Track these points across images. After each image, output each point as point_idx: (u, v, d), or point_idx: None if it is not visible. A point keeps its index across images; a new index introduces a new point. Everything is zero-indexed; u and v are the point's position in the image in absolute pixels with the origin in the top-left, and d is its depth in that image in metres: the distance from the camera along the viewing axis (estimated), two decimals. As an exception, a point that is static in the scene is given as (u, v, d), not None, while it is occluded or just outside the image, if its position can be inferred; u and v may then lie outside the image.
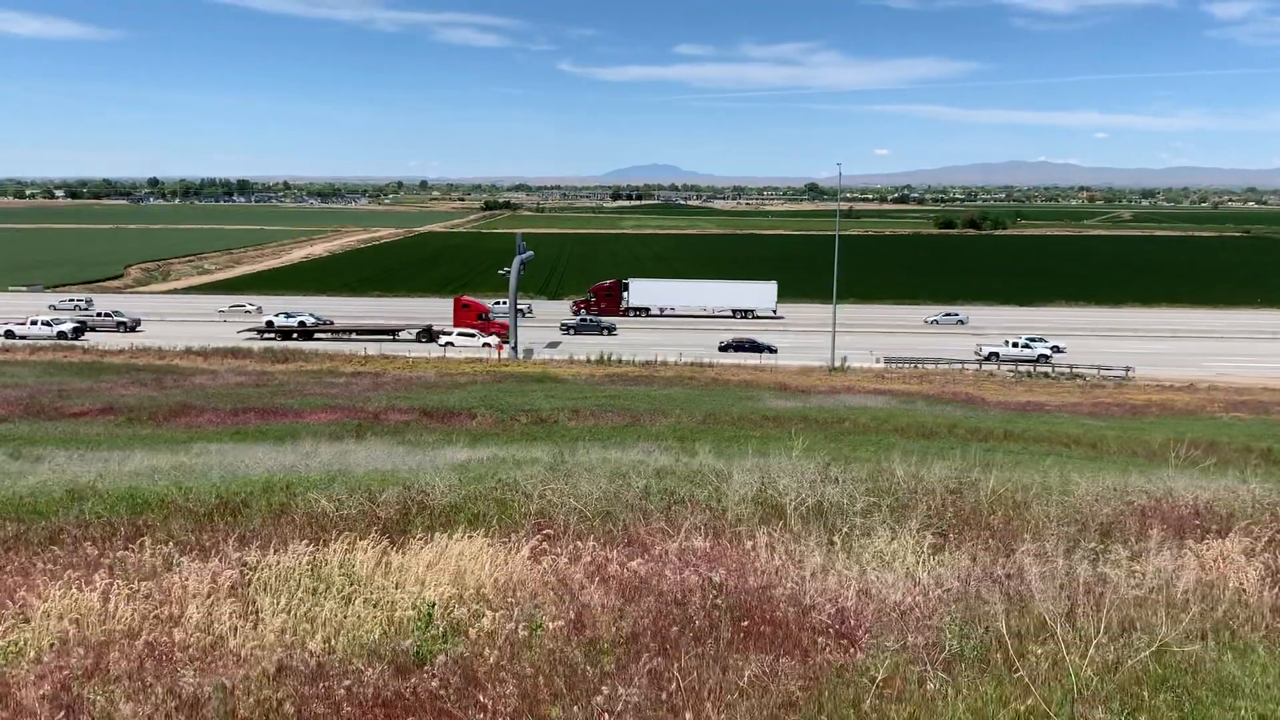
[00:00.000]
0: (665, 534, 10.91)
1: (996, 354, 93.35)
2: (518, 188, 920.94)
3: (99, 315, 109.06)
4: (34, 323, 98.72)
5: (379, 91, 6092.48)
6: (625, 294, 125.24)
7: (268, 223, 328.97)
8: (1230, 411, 69.81)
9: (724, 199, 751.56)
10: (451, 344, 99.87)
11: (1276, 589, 9.08)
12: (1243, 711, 6.62)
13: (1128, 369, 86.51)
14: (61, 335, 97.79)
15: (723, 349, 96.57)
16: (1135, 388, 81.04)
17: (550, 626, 8.12)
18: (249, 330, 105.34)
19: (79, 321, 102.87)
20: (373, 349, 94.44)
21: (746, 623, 8.17)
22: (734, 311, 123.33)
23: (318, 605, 8.77)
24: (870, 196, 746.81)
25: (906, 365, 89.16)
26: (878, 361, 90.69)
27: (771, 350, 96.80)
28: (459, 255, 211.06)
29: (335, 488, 13.51)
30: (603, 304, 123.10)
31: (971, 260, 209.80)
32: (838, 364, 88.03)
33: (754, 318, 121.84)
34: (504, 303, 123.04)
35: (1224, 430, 60.02)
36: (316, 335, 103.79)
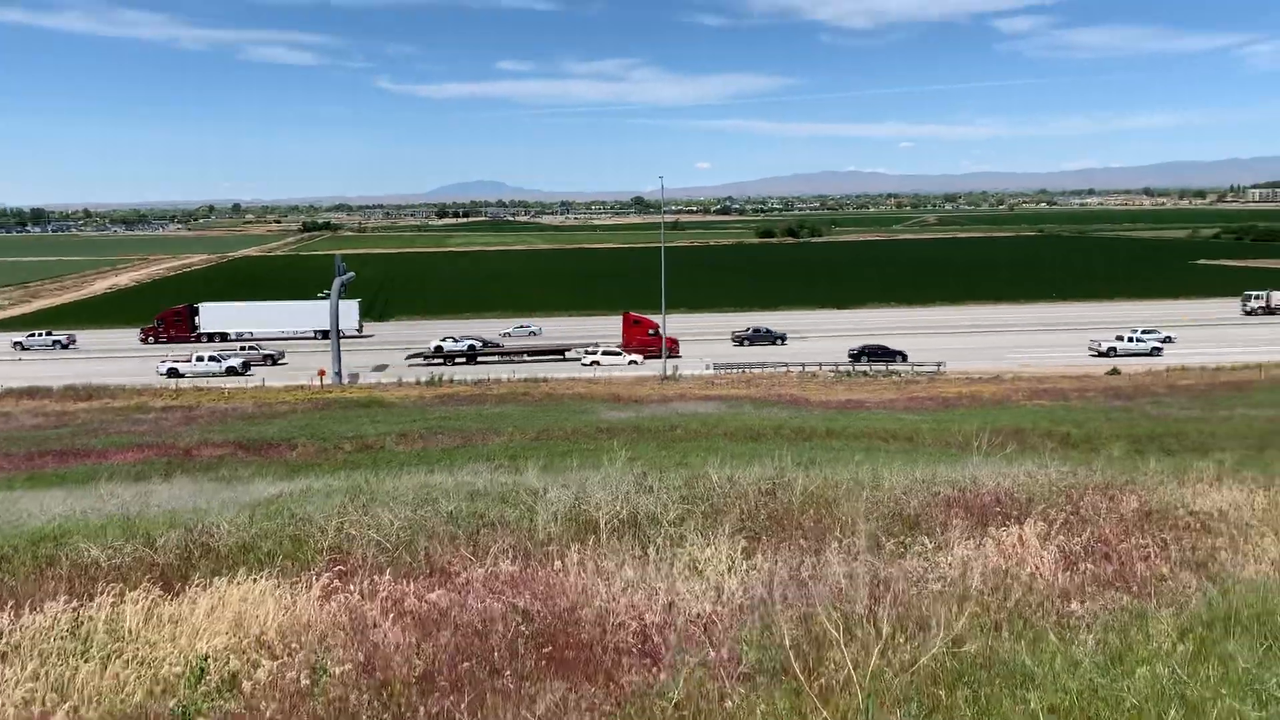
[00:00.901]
0: (471, 560, 10.37)
1: (1114, 349, 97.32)
2: (338, 208, 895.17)
3: (244, 350, 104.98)
4: (199, 359, 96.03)
5: (187, 112, 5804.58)
6: (196, 319, 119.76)
7: (68, 253, 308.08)
8: (1033, 399, 74.21)
9: (552, 214, 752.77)
10: (597, 363, 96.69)
11: (1068, 571, 9.38)
12: (1033, 704, 6.65)
13: (939, 364, 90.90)
14: (231, 370, 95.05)
15: (853, 357, 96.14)
16: (947, 381, 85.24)
17: (336, 672, 7.47)
18: (416, 356, 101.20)
19: (244, 357, 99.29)
20: (200, 382, 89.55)
21: (550, 649, 7.76)
22: (315, 332, 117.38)
23: (72, 670, 7.82)
24: (694, 208, 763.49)
25: (735, 370, 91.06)
26: (708, 369, 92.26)
27: (904, 357, 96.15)
28: (277, 279, 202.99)
29: (110, 534, 12.31)
30: (171, 330, 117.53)
31: (792, 267, 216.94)
32: (669, 373, 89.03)
33: (343, 337, 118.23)
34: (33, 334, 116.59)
35: (1028, 417, 63.81)
36: (480, 359, 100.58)
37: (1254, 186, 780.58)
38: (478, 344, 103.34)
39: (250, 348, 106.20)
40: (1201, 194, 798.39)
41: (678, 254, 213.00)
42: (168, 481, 39.51)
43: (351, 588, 9.49)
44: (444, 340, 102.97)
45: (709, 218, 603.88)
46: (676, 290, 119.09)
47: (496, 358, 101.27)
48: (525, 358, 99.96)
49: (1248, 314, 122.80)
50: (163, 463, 50.01)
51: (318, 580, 9.67)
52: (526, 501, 12.96)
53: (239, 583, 9.46)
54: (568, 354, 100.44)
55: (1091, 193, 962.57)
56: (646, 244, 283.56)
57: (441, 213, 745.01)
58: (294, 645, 8.16)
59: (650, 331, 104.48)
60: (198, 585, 9.61)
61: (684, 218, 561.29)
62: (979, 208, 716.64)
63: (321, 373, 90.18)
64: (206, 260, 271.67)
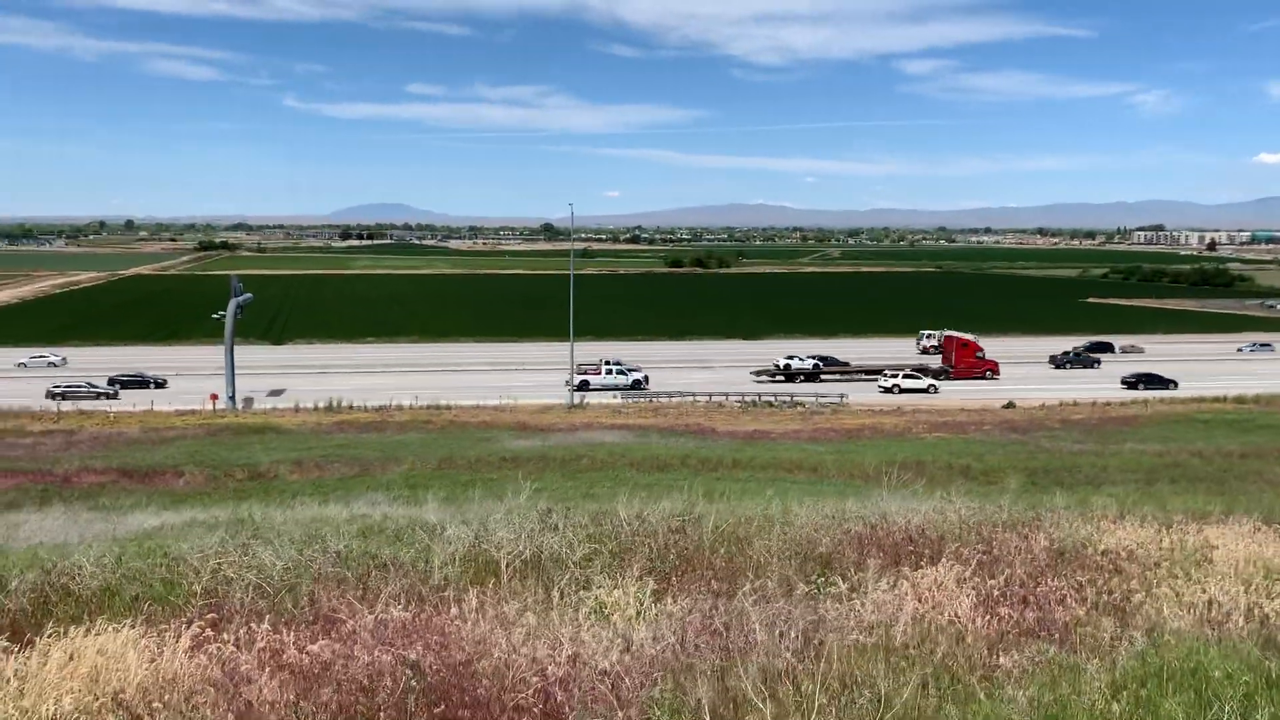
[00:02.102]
0: (360, 607, 9.57)
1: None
2: (237, 227, 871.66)
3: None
4: (609, 370, 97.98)
5: (78, 124, 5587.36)
6: None
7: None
8: (933, 432, 75.67)
9: (460, 239, 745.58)
10: (898, 386, 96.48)
11: (989, 616, 9.09)
12: (970, 775, 6.28)
13: (842, 395, 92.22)
14: (636, 385, 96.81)
15: (1129, 385, 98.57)
16: (849, 413, 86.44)
17: (200, 737, 6.71)
18: (763, 373, 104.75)
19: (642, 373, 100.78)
20: (80, 404, 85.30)
21: (443, 707, 7.09)
22: None
23: (-108, 739, 6.87)
24: (604, 236, 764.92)
25: (643, 400, 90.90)
26: (614, 397, 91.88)
27: (1174, 384, 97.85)
28: (171, 299, 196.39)
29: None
30: None
31: (700, 297, 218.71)
32: (576, 401, 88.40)
33: None
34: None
35: (929, 450, 65.02)
36: (822, 377, 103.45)
37: (1139, 229, 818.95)
38: (820, 362, 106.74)
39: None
40: (1091, 234, 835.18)
41: (587, 281, 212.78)
42: (43, 511, 37.33)
43: (225, 637, 8.60)
44: (790, 359, 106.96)
45: (618, 245, 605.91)
46: (586, 318, 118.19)
47: (837, 376, 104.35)
48: (861, 377, 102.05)
49: (922, 353, 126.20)
50: (38, 490, 47.45)
51: (187, 629, 8.78)
52: (422, 540, 12.19)
53: (99, 632, 8.54)
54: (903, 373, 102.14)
55: (989, 231, 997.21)
56: (555, 271, 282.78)
57: (345, 234, 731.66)
58: (156, 705, 7.31)
59: (978, 354, 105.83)
60: (51, 635, 8.65)
61: (594, 245, 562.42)
62: (881, 243, 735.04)
63: (214, 397, 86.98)
64: (95, 278, 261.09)
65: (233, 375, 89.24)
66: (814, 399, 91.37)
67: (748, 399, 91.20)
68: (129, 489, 47.02)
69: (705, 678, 7.09)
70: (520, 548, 11.24)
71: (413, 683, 7.34)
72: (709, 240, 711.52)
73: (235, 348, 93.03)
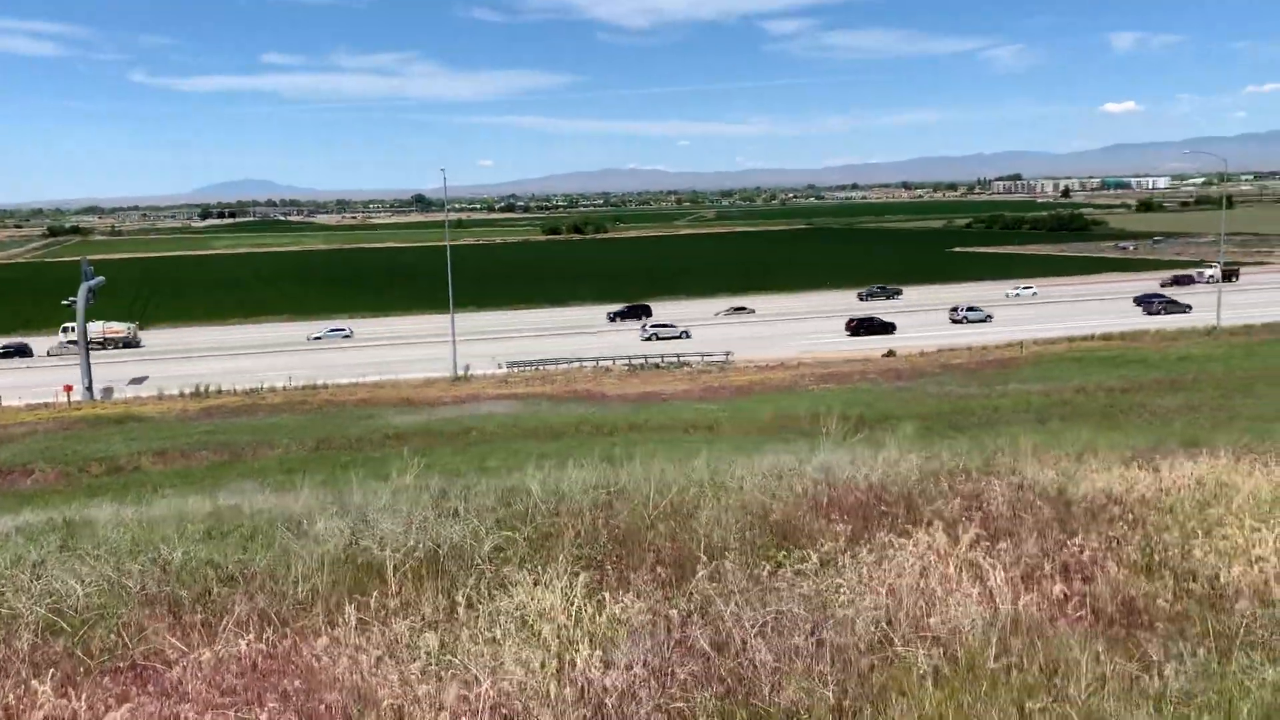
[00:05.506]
0: (192, 642, 7.04)
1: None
2: (88, 210, 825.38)
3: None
4: None
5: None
6: None
7: None
8: (820, 384, 75.42)
9: (328, 213, 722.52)
10: None
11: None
12: None
13: (728, 353, 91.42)
14: None
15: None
16: (737, 370, 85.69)
17: None
18: None
19: None
20: None
21: (309, 801, 4.80)
22: None
23: None
24: (478, 206, 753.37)
25: (528, 368, 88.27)
26: (500, 367, 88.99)
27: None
28: (18, 288, 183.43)
29: None
30: None
31: (578, 263, 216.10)
32: (460, 373, 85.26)
33: None
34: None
35: (820, 401, 64.41)
36: None
37: (998, 179, 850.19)
38: None
39: None
40: (953, 186, 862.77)
41: (463, 252, 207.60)
42: None
43: (-11, 705, 5.98)
44: None
45: (493, 215, 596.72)
46: (464, 289, 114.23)
47: None
48: None
49: (61, 347, 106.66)
50: None
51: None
52: (285, 539, 9.55)
53: None
54: None
55: (855, 187, 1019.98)
56: (429, 242, 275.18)
57: (205, 213, 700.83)
58: None
59: None
60: None
61: (468, 215, 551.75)
62: (754, 203, 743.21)
63: (68, 388, 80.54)
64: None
65: (88, 364, 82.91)
66: (700, 359, 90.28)
67: (635, 361, 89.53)
68: (-35, 493, 42.36)
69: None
70: (412, 542, 8.82)
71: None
72: (585, 207, 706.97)
73: (90, 335, 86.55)
